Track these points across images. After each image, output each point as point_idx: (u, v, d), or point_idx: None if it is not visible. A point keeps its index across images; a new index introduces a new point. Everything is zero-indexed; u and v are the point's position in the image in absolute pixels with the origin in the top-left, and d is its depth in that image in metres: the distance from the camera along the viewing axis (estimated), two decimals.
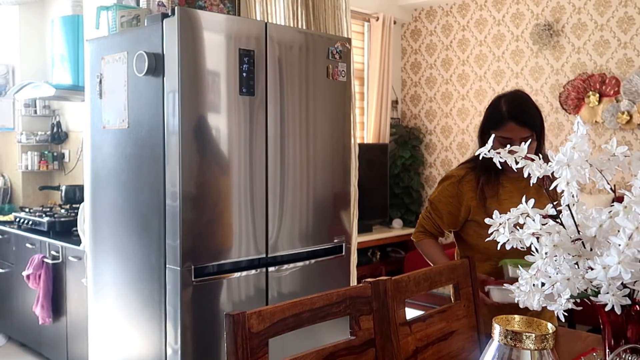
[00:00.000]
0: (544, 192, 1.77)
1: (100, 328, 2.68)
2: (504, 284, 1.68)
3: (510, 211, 1.82)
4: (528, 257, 1.03)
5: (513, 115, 1.83)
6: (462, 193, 1.96)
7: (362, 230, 4.46)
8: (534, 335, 0.89)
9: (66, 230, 3.56)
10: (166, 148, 2.26)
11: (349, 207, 2.87)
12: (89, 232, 2.75)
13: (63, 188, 4.13)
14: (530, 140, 1.77)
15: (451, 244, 2.31)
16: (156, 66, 2.26)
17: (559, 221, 1.02)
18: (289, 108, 2.55)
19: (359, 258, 3.94)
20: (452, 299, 1.84)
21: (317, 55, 2.66)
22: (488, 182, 1.93)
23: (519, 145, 1.76)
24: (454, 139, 5.42)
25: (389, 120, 5.36)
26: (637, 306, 0.98)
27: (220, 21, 2.34)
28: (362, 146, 4.38)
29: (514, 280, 1.72)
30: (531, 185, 1.29)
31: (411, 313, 1.45)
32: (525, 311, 1.47)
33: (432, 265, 2.04)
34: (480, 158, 1.09)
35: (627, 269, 0.88)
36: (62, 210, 3.87)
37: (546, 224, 1.01)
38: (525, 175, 1.05)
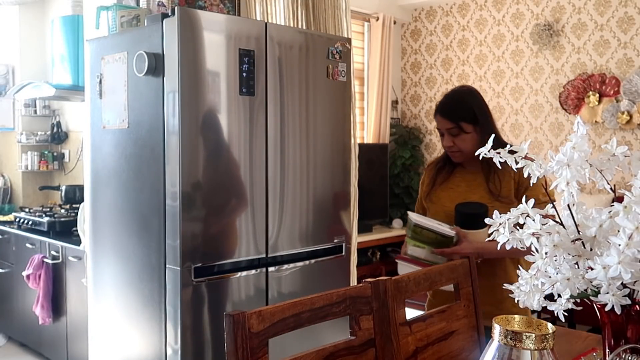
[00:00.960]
0: (487, 186, 1.91)
1: (100, 328, 2.68)
2: (405, 261, 1.94)
3: (446, 198, 2.02)
4: (528, 257, 1.03)
5: (439, 108, 2.01)
6: (424, 179, 2.18)
7: (362, 230, 4.46)
8: (534, 335, 0.89)
9: (66, 230, 3.56)
10: (166, 148, 2.26)
11: (349, 207, 2.87)
12: (89, 232, 2.75)
13: (63, 188, 4.13)
14: (456, 130, 1.93)
15: None
16: (156, 66, 2.26)
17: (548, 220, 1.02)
18: (289, 108, 2.55)
19: (359, 258, 3.94)
20: (427, 308, 1.92)
21: (317, 55, 2.66)
22: (442, 171, 2.09)
23: (447, 136, 1.95)
24: None
25: (389, 120, 5.36)
26: (637, 306, 0.98)
27: (220, 21, 2.34)
28: (362, 146, 4.38)
29: (411, 257, 1.93)
30: (508, 180, 1.61)
31: (411, 313, 1.45)
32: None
33: None
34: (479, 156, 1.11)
35: (627, 269, 0.88)
36: (62, 210, 3.87)
37: (546, 223, 1.01)
38: (525, 175, 1.05)
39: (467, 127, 1.93)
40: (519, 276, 1.04)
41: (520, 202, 1.86)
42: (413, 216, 1.96)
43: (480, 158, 1.07)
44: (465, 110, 1.95)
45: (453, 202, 1.97)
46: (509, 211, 1.74)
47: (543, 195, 1.81)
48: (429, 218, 1.99)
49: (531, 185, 1.82)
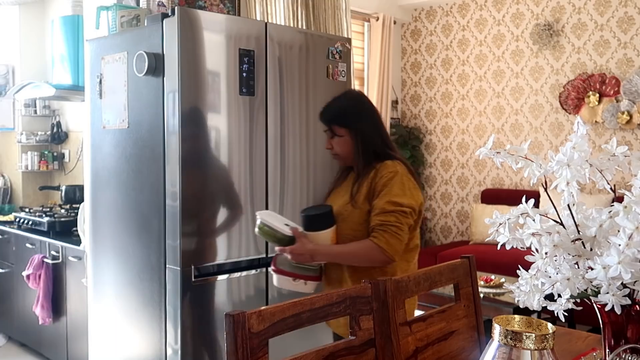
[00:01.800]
0: (351, 189, 1.93)
1: (100, 328, 2.68)
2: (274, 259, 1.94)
3: (331, 199, 2.03)
4: (528, 257, 1.03)
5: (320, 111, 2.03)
6: None
7: None
8: (534, 335, 0.89)
9: (66, 230, 3.56)
10: (166, 148, 2.26)
11: None
12: (89, 232, 2.75)
13: (63, 188, 4.13)
14: (330, 133, 1.94)
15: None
16: (156, 66, 2.26)
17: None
18: (289, 108, 2.55)
19: None
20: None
21: (317, 55, 2.66)
22: (342, 174, 2.10)
23: (327, 138, 1.96)
24: (454, 139, 5.42)
25: (389, 120, 5.36)
26: (637, 306, 0.98)
27: (220, 21, 2.34)
28: None
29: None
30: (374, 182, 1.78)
31: None
32: None
33: None
34: (479, 156, 1.10)
35: (627, 269, 0.88)
36: (62, 210, 3.87)
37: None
38: (526, 175, 1.05)
39: (340, 131, 1.93)
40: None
41: (370, 207, 1.87)
42: (259, 213, 1.95)
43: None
44: (337, 114, 1.95)
45: (333, 203, 1.99)
46: (357, 215, 1.78)
47: (389, 205, 1.82)
48: (279, 216, 1.98)
49: (381, 194, 1.84)
